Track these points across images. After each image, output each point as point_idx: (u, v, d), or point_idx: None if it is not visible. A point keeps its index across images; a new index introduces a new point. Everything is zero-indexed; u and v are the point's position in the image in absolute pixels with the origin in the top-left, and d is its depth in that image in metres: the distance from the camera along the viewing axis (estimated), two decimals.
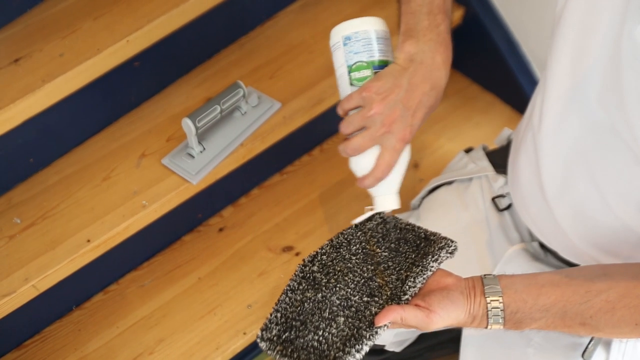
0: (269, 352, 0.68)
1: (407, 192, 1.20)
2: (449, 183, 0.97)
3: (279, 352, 0.67)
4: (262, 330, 0.68)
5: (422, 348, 1.10)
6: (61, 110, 1.02)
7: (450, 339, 1.04)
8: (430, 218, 0.93)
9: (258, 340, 0.68)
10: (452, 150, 1.28)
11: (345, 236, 0.75)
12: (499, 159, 0.94)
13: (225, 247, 1.19)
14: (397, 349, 1.05)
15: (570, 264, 0.84)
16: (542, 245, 0.88)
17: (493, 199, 0.91)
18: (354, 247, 0.74)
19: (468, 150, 1.02)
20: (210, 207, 1.23)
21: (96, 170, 1.06)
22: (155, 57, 1.10)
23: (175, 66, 1.17)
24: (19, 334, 1.09)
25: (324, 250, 0.74)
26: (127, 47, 0.99)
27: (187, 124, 0.98)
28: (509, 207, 0.90)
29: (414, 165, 1.28)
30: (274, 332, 0.68)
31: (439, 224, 0.92)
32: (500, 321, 0.67)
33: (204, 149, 1.04)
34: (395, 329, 0.69)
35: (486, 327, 0.68)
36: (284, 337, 0.67)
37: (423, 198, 1.00)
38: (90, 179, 1.05)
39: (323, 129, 1.31)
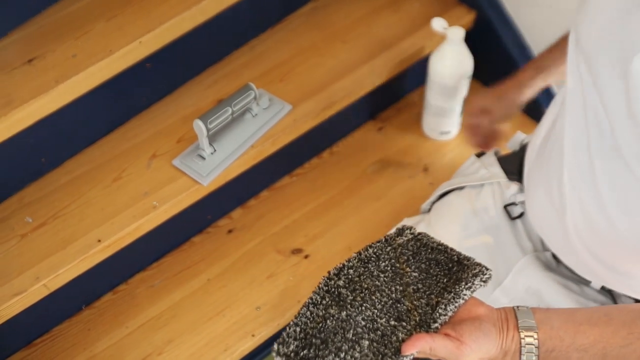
0: None
1: (417, 196, 1.21)
2: (460, 188, 0.97)
3: None
4: (278, 343, 0.65)
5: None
6: (73, 111, 1.02)
7: None
8: (441, 223, 0.93)
9: (274, 354, 0.65)
10: (462, 153, 1.28)
11: (375, 250, 0.71)
12: (511, 165, 0.93)
13: (235, 248, 1.20)
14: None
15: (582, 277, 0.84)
16: (554, 256, 0.87)
17: (505, 207, 0.91)
18: (383, 264, 0.70)
19: (479, 155, 1.01)
20: (220, 209, 1.23)
21: (107, 171, 1.07)
22: (167, 58, 1.10)
23: (187, 68, 1.17)
24: (28, 332, 1.10)
25: (351, 264, 0.70)
26: (139, 48, 1.00)
27: (199, 126, 0.99)
28: (521, 215, 0.90)
29: (424, 169, 1.28)
30: (292, 347, 0.64)
31: (450, 229, 0.92)
32: (534, 358, 0.62)
33: (215, 150, 1.05)
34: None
35: None
36: (302, 354, 0.64)
37: (433, 202, 1.00)
38: (101, 179, 1.06)
39: (333, 131, 1.31)
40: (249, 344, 1.09)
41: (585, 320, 0.63)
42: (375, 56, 1.19)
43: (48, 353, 1.09)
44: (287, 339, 0.64)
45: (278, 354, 0.64)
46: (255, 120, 1.08)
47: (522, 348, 0.62)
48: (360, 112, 1.33)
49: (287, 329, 0.65)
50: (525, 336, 0.62)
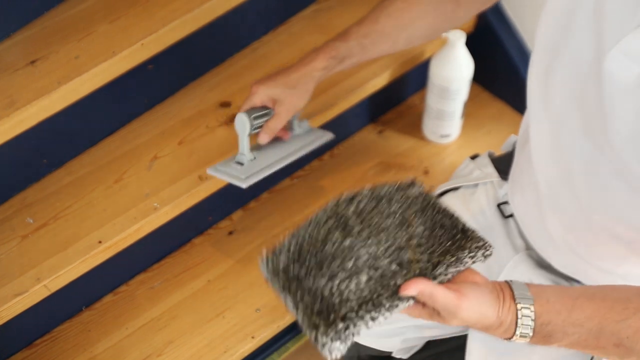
0: (269, 280, 0.61)
1: None
2: (455, 189, 0.97)
3: (281, 286, 0.60)
4: (268, 253, 0.61)
5: (430, 355, 1.10)
6: (75, 112, 1.02)
7: (458, 346, 1.04)
8: None
9: (260, 264, 0.61)
10: (462, 156, 1.28)
11: (387, 190, 0.67)
12: (504, 165, 0.94)
13: (235, 250, 1.20)
14: (405, 356, 1.05)
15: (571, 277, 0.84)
16: None
17: (498, 206, 0.92)
18: (394, 207, 0.66)
19: (474, 157, 1.02)
20: (221, 211, 1.24)
21: (108, 172, 1.07)
22: (169, 60, 1.11)
23: (189, 70, 1.17)
24: (29, 333, 1.10)
25: (364, 194, 0.66)
26: (141, 50, 1.00)
27: (242, 120, 0.89)
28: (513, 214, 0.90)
29: (424, 172, 1.29)
30: (282, 260, 0.60)
31: None
32: (529, 331, 0.62)
33: (255, 158, 0.96)
34: (413, 316, 0.64)
35: (511, 338, 0.63)
36: (291, 269, 0.60)
37: None
38: (103, 180, 1.06)
39: (334, 133, 1.31)
40: (249, 346, 1.09)
41: (581, 295, 0.63)
42: (376, 60, 1.19)
43: (48, 354, 1.09)
44: (278, 252, 0.61)
45: (266, 265, 0.61)
46: (296, 140, 1.01)
47: (519, 320, 0.61)
48: (361, 115, 1.33)
49: (282, 240, 0.62)
50: (522, 307, 0.61)
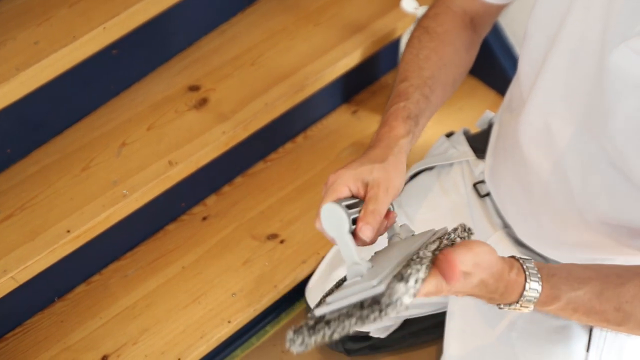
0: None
1: None
2: (430, 168, 0.97)
3: None
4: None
5: (407, 334, 1.10)
6: (38, 100, 1.00)
7: (435, 324, 1.05)
8: (412, 204, 0.93)
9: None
10: (436, 134, 1.27)
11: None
12: (480, 143, 0.93)
13: (209, 235, 1.19)
14: (382, 335, 1.05)
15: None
16: None
17: (474, 185, 0.91)
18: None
19: (449, 135, 1.01)
20: (194, 196, 1.22)
21: (75, 160, 1.05)
22: (134, 44, 1.08)
23: (155, 54, 1.15)
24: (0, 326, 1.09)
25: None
26: (103, 34, 0.98)
27: (333, 213, 0.60)
28: (490, 193, 0.90)
29: None
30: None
31: (420, 209, 0.92)
32: (537, 279, 0.59)
33: (372, 266, 0.60)
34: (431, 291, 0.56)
35: (522, 292, 0.60)
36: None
37: (405, 184, 1.00)
38: (70, 169, 1.04)
39: (307, 115, 1.30)
40: (226, 330, 1.08)
41: (579, 264, 0.64)
42: (347, 38, 1.18)
43: (20, 346, 1.07)
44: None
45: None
46: (406, 242, 0.66)
47: (525, 267, 0.60)
48: (334, 95, 1.32)
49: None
50: (527, 266, 0.60)
